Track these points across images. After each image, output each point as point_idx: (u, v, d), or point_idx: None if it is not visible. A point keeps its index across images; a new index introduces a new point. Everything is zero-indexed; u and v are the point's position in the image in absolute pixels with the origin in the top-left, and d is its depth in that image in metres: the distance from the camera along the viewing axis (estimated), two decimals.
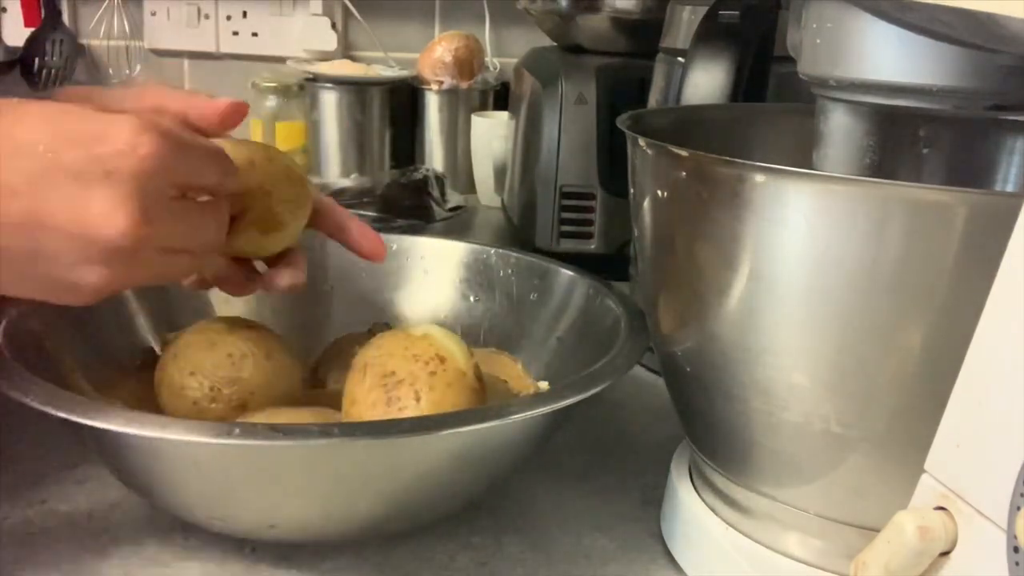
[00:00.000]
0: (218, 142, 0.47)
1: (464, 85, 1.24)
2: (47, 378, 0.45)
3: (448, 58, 1.23)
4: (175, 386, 0.53)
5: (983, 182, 0.43)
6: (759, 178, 0.38)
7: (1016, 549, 0.28)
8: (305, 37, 1.33)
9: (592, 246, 0.91)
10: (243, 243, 0.51)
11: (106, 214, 0.38)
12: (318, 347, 0.65)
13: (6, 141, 0.38)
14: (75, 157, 0.38)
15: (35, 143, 0.38)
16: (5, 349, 0.47)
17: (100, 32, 1.34)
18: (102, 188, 0.38)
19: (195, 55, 1.36)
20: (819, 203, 0.37)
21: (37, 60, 1.29)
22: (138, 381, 0.57)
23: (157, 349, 0.60)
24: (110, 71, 1.36)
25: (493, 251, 0.68)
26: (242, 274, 0.53)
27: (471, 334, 0.66)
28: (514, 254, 0.67)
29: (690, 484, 0.50)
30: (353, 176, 1.14)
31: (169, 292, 0.64)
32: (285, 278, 0.53)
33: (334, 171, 1.22)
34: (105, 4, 1.33)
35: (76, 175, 0.38)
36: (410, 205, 1.05)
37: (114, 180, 0.38)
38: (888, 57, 0.40)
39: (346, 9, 1.32)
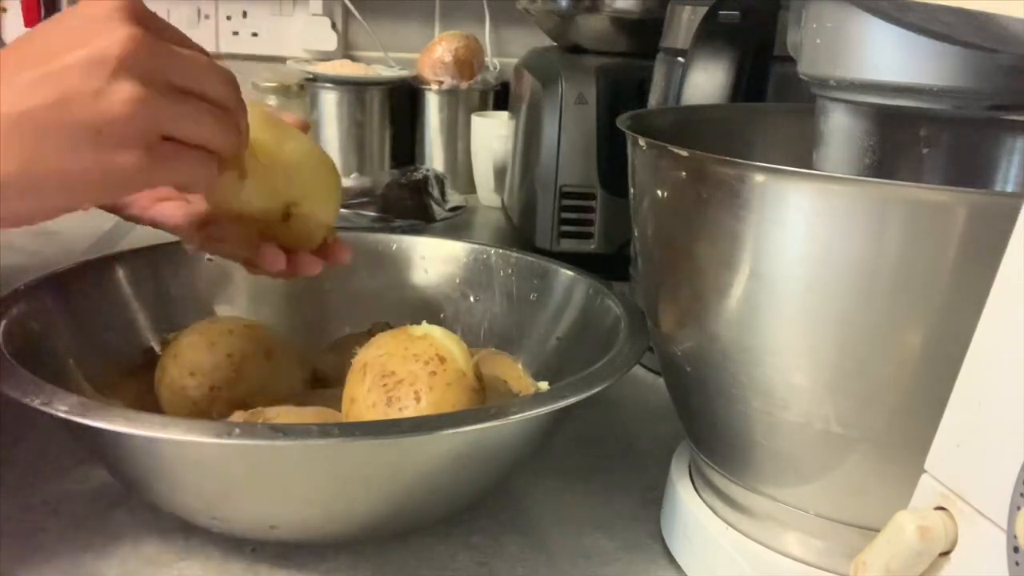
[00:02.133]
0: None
1: (464, 85, 1.24)
2: (47, 378, 0.45)
3: (448, 58, 1.23)
4: (175, 386, 0.53)
5: (983, 182, 0.43)
6: (759, 178, 0.38)
7: (1016, 549, 0.28)
8: (305, 37, 1.33)
9: (592, 246, 0.91)
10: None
11: (105, 26, 0.40)
12: (318, 347, 0.65)
13: (17, 43, 0.42)
14: (64, 19, 0.42)
15: (32, 32, 0.42)
16: (5, 349, 0.47)
17: None
18: (91, 20, 0.41)
19: None
20: (819, 203, 0.37)
21: None
22: (138, 381, 0.57)
23: (157, 349, 0.60)
24: None
25: (493, 251, 0.68)
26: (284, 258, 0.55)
27: (471, 334, 0.66)
28: (514, 254, 0.67)
29: (690, 484, 0.50)
30: (353, 176, 1.14)
31: (169, 292, 0.64)
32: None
33: None
34: None
35: (67, 25, 0.41)
36: (410, 205, 1.05)
37: (97, 12, 0.41)
38: (888, 57, 0.40)
39: (346, 9, 1.32)
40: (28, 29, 0.45)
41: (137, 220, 0.59)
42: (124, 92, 0.40)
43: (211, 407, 0.53)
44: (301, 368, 0.60)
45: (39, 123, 0.39)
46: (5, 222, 0.42)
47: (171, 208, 0.57)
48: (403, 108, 1.26)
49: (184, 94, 0.43)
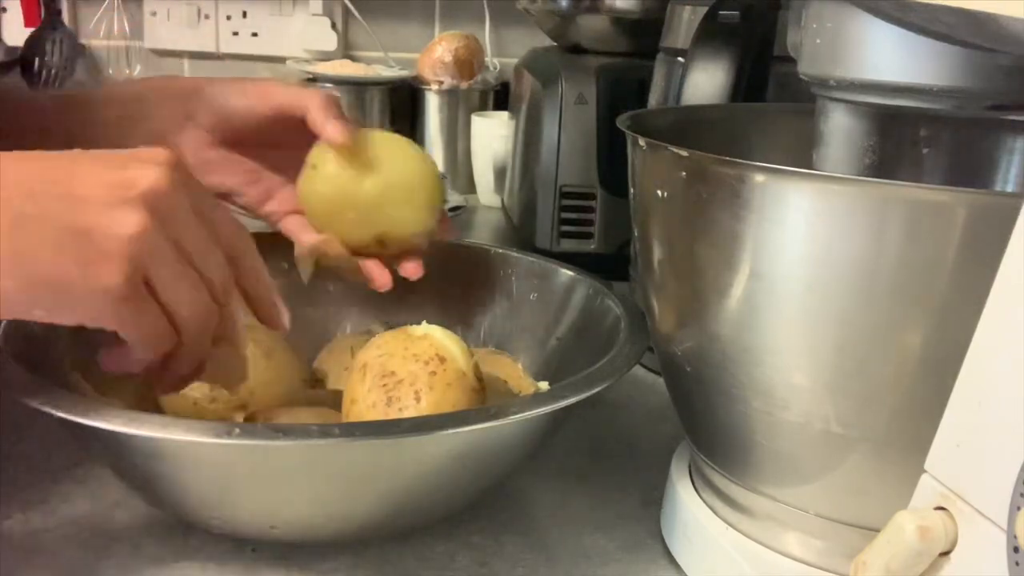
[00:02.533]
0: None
1: (464, 85, 1.24)
2: (47, 378, 0.45)
3: (448, 58, 1.23)
4: None
5: (983, 182, 0.43)
6: (759, 178, 0.38)
7: (1016, 549, 0.28)
8: (305, 37, 1.33)
9: (592, 246, 0.91)
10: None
11: (140, 170, 0.40)
12: (318, 347, 0.65)
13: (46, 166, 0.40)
14: (104, 166, 0.40)
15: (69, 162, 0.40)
16: (5, 349, 0.47)
17: (100, 32, 1.33)
18: (130, 162, 0.40)
19: (195, 55, 1.36)
20: (819, 203, 0.37)
21: (37, 60, 1.29)
22: (138, 381, 0.57)
23: None
24: (110, 71, 1.36)
25: (493, 251, 0.68)
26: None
27: (471, 334, 0.66)
28: (514, 254, 0.67)
29: (690, 484, 0.50)
30: None
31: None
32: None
33: None
34: (105, 4, 1.33)
35: (102, 178, 0.40)
36: None
37: (141, 160, 0.40)
38: (888, 57, 0.40)
39: (346, 9, 1.32)
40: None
41: (266, 219, 0.62)
42: (134, 222, 0.39)
43: (211, 407, 0.53)
44: (301, 368, 0.59)
45: (45, 215, 0.39)
46: None
47: (295, 224, 0.60)
48: (403, 108, 1.26)
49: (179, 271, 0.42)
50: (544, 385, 0.59)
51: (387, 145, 0.57)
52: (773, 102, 0.66)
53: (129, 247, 0.39)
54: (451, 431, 0.43)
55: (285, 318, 0.47)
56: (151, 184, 0.40)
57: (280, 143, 0.60)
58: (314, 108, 0.56)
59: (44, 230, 0.39)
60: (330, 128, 0.55)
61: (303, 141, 0.57)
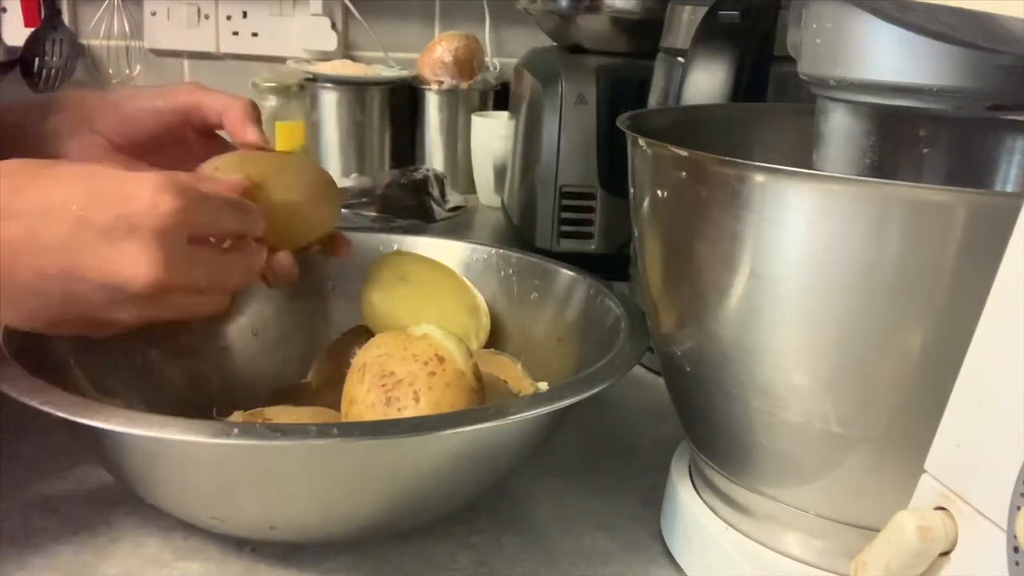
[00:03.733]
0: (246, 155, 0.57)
1: (464, 85, 1.24)
2: (47, 378, 0.45)
3: (448, 58, 1.23)
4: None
5: (983, 182, 0.43)
6: (759, 178, 0.38)
7: (1016, 549, 0.28)
8: (305, 37, 1.33)
9: (592, 246, 0.91)
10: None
11: (132, 265, 0.44)
12: (318, 347, 0.65)
13: (43, 202, 0.44)
14: (104, 216, 0.44)
15: (68, 203, 0.44)
16: (5, 349, 0.47)
17: (100, 32, 1.34)
18: (128, 243, 0.44)
19: (195, 55, 1.36)
20: (819, 203, 0.37)
21: (37, 60, 1.29)
22: (139, 381, 0.57)
23: (158, 350, 0.61)
24: (110, 71, 1.36)
25: (493, 251, 0.68)
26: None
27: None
28: (514, 254, 0.67)
29: (690, 484, 0.50)
30: (353, 176, 1.14)
31: None
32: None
33: (334, 171, 1.22)
34: (105, 4, 1.33)
35: (104, 232, 0.44)
36: (410, 205, 1.05)
37: (138, 235, 0.44)
38: (888, 57, 0.40)
39: (346, 9, 1.32)
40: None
41: None
42: (127, 315, 0.47)
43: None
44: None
45: (46, 306, 0.45)
46: None
47: None
48: (403, 108, 1.26)
49: (202, 292, 0.49)
50: (544, 385, 0.59)
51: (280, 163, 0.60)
52: (773, 102, 0.66)
53: (127, 327, 0.48)
54: (450, 431, 0.43)
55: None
56: (140, 288, 0.44)
57: (188, 148, 0.62)
58: (236, 110, 0.59)
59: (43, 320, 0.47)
60: (249, 132, 0.59)
61: (205, 149, 0.60)
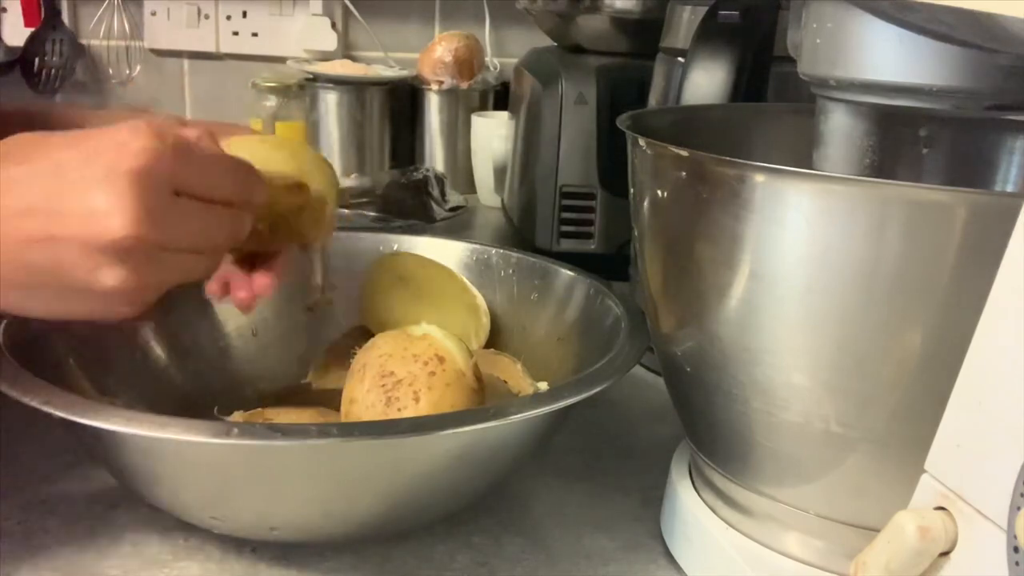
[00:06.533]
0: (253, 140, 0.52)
1: (464, 85, 1.24)
2: (47, 378, 0.45)
3: (448, 58, 1.23)
4: None
5: (983, 182, 0.43)
6: (759, 178, 0.38)
7: (1016, 549, 0.28)
8: (305, 37, 1.33)
9: (592, 246, 0.91)
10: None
11: (108, 213, 0.41)
12: (318, 347, 0.65)
13: (31, 164, 0.42)
14: (78, 166, 0.41)
15: (52, 162, 0.42)
16: (5, 349, 0.47)
17: (100, 32, 1.33)
18: (102, 189, 0.41)
19: (195, 55, 1.36)
20: (819, 203, 0.37)
21: (37, 60, 1.29)
22: (139, 381, 0.57)
23: (158, 351, 0.61)
24: (110, 71, 1.36)
25: (493, 251, 0.68)
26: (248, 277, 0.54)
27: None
28: (514, 254, 0.67)
29: (690, 484, 0.50)
30: (353, 176, 1.14)
31: (169, 292, 0.63)
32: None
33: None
34: (105, 4, 1.32)
35: (80, 182, 0.41)
36: (410, 205, 1.05)
37: (111, 179, 0.41)
38: (888, 57, 0.40)
39: (346, 9, 1.32)
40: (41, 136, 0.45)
41: None
42: (115, 279, 0.42)
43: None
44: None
45: (36, 278, 0.42)
46: None
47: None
48: (403, 108, 1.26)
49: (177, 253, 0.45)
50: (544, 385, 0.59)
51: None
52: (773, 102, 0.66)
53: (121, 298, 0.43)
54: (450, 431, 0.43)
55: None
56: (122, 236, 0.41)
57: None
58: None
59: (37, 288, 0.43)
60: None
61: None
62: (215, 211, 0.45)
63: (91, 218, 0.41)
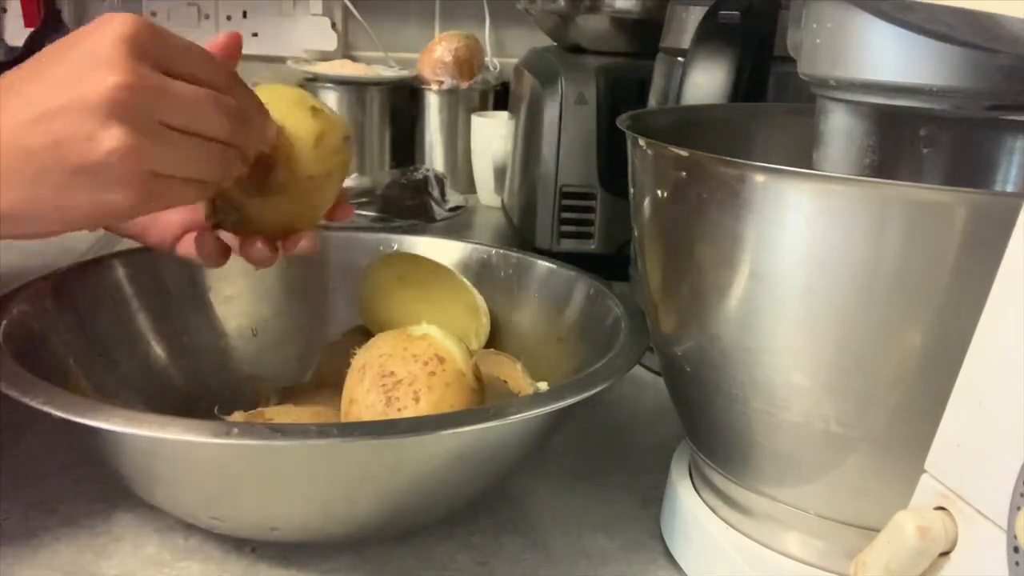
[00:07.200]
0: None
1: (464, 85, 1.24)
2: (47, 378, 0.45)
3: (448, 58, 1.23)
4: None
5: (983, 182, 0.43)
6: (759, 178, 0.38)
7: (1016, 549, 0.28)
8: (305, 37, 1.33)
9: (592, 246, 0.91)
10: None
11: (96, 68, 0.41)
12: (318, 347, 0.65)
13: (23, 71, 0.43)
14: (63, 48, 0.42)
15: (32, 62, 0.43)
16: (5, 349, 0.47)
17: None
18: (89, 54, 0.41)
19: None
20: (819, 203, 0.37)
21: None
22: (139, 381, 0.57)
23: (158, 351, 0.61)
24: None
25: (493, 251, 0.68)
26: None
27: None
28: (514, 254, 0.67)
29: (690, 484, 0.50)
30: (353, 176, 1.14)
31: (169, 291, 0.64)
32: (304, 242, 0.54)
33: None
34: (105, 4, 1.33)
35: (67, 58, 0.42)
36: (410, 205, 1.05)
37: (98, 46, 0.41)
38: (888, 57, 0.40)
39: (346, 9, 1.32)
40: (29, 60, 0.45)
41: (159, 249, 0.60)
42: (113, 139, 0.41)
43: None
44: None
45: (37, 163, 0.42)
46: (2, 238, 0.44)
47: (188, 244, 0.57)
48: (403, 108, 1.26)
49: (178, 133, 0.43)
50: (544, 385, 0.59)
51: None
52: (773, 102, 0.66)
53: (123, 168, 0.42)
54: (450, 431, 0.43)
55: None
56: (113, 94, 0.41)
57: None
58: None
59: (42, 175, 0.42)
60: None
61: None
62: (207, 93, 0.44)
63: (81, 80, 0.41)
